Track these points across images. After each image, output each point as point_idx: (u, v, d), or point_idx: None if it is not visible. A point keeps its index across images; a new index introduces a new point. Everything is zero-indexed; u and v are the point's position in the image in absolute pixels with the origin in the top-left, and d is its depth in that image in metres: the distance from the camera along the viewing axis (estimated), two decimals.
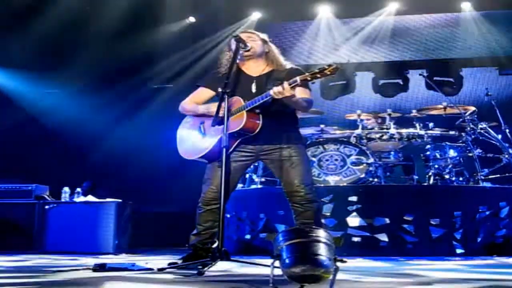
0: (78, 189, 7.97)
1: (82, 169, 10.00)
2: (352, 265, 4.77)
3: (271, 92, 4.17)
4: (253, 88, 4.49)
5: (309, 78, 4.17)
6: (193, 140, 4.55)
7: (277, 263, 2.83)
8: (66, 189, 7.98)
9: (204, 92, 4.67)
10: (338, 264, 2.81)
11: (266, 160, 4.56)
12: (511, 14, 10.20)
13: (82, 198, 7.86)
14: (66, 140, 10.73)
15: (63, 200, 7.89)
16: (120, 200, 7.73)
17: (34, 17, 9.66)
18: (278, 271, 2.84)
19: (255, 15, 10.82)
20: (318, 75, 4.15)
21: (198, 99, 4.67)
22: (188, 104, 4.67)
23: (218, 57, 4.74)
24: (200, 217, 4.54)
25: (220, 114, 4.25)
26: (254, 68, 4.61)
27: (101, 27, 10.00)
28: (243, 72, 4.59)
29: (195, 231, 4.58)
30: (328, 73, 4.13)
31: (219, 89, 4.29)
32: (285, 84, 4.13)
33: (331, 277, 2.76)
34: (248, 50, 4.48)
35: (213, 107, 4.40)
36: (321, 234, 2.84)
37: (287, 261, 2.76)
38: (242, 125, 4.31)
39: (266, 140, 4.46)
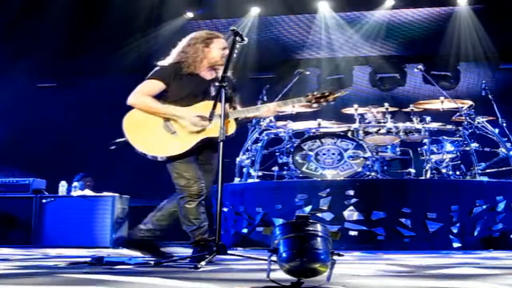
0: (76, 183, 7.98)
1: (80, 163, 9.99)
2: (349, 259, 4.78)
3: (270, 105, 4.65)
4: (213, 92, 4.59)
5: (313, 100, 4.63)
6: (159, 137, 4.52)
7: (274, 257, 2.83)
8: (63, 183, 7.98)
9: (157, 85, 4.61)
10: (335, 258, 2.82)
11: (207, 166, 4.69)
12: (507, 8, 10.17)
13: (79, 192, 7.87)
14: (64, 133, 10.72)
15: (60, 194, 7.90)
16: (117, 194, 7.74)
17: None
18: (275, 265, 2.84)
19: (255, 10, 10.80)
20: (322, 100, 4.63)
21: (151, 91, 4.61)
22: (145, 97, 4.58)
23: (183, 50, 4.70)
24: (194, 211, 4.52)
25: (217, 110, 4.27)
26: (208, 72, 4.71)
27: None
28: (198, 75, 4.65)
29: (194, 226, 4.53)
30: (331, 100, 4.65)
31: (216, 83, 4.34)
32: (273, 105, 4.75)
33: (328, 270, 2.76)
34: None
35: (179, 111, 4.48)
36: (318, 228, 2.85)
37: (284, 255, 2.76)
38: (233, 132, 4.49)
39: (214, 148, 4.54)
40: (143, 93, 4.60)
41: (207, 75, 4.70)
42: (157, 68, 4.70)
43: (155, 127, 4.54)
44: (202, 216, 4.54)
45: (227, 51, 4.61)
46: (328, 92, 4.64)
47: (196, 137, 4.48)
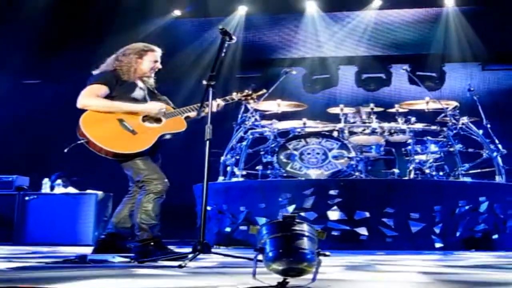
0: (59, 181, 7.92)
1: (63, 160, 9.90)
2: (333, 258, 4.78)
3: (216, 102, 4.77)
4: (147, 97, 4.89)
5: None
6: (120, 135, 4.62)
7: (260, 256, 2.83)
8: (46, 180, 7.92)
9: (102, 89, 4.73)
10: (321, 257, 2.82)
11: (157, 163, 4.89)
12: (493, 9, 10.22)
13: (62, 190, 7.81)
14: (46, 130, 10.63)
15: (43, 191, 7.84)
16: (100, 192, 7.69)
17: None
18: (260, 264, 2.84)
19: (242, 9, 10.78)
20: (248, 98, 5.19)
21: (99, 94, 4.72)
22: (99, 98, 4.69)
23: (118, 59, 4.89)
24: (157, 208, 4.65)
25: (206, 109, 4.48)
26: (140, 80, 4.93)
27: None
28: (134, 82, 4.85)
29: (155, 222, 4.62)
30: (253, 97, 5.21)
31: (204, 82, 4.44)
32: (220, 101, 4.91)
33: (313, 270, 2.76)
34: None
35: (138, 105, 4.74)
36: (305, 227, 2.84)
37: (270, 254, 2.76)
38: (184, 129, 4.79)
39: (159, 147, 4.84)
40: (94, 95, 4.71)
41: (140, 83, 4.91)
42: (98, 74, 4.86)
43: (113, 126, 4.65)
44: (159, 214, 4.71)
45: (158, 64, 4.95)
46: (251, 92, 5.21)
47: (155, 134, 4.68)
